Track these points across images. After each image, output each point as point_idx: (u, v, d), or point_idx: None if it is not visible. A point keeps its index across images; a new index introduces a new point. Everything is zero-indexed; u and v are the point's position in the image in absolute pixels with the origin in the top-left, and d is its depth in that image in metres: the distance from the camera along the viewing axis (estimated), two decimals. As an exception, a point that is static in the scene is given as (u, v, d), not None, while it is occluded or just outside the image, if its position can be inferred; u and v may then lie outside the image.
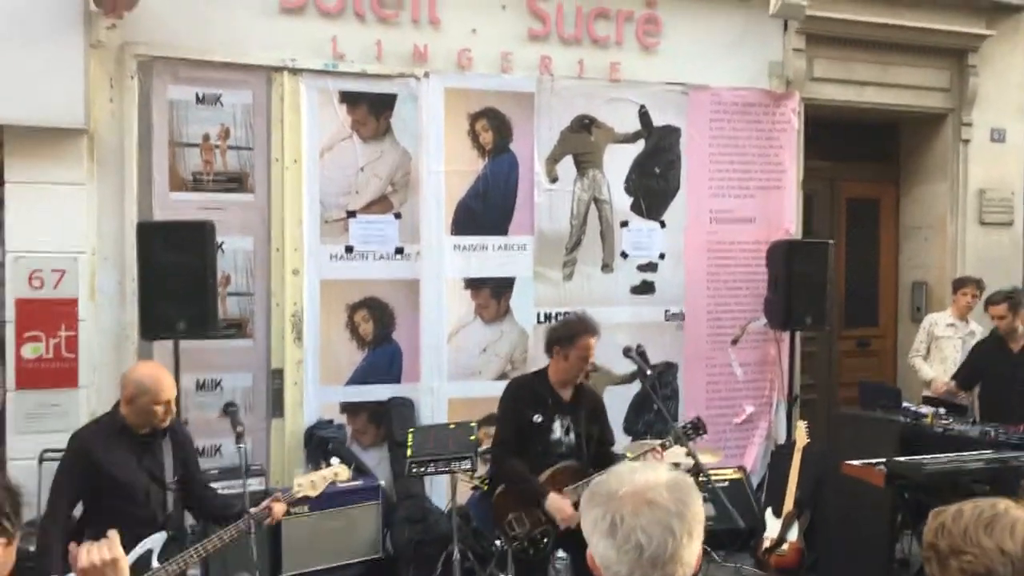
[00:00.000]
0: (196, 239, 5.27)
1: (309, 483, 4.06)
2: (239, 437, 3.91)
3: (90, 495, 3.86)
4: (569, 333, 4.71)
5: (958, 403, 6.59)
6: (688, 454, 4.51)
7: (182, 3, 5.67)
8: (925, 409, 6.21)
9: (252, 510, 3.92)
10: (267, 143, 5.88)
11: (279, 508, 3.99)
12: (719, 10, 6.89)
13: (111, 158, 5.55)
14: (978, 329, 6.97)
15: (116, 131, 5.56)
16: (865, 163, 8.35)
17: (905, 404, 6.32)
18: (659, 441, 4.81)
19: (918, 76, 7.66)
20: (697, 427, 4.72)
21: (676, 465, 4.70)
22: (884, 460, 4.97)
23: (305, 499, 4.16)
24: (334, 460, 4.18)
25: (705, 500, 4.50)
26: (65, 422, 5.30)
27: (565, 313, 6.46)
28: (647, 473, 1.68)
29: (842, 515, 5.82)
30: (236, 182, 5.87)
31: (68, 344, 5.46)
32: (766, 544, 6.08)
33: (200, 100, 5.75)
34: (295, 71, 5.89)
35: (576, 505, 4.38)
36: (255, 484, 5.41)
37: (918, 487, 4.92)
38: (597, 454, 4.86)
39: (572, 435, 4.77)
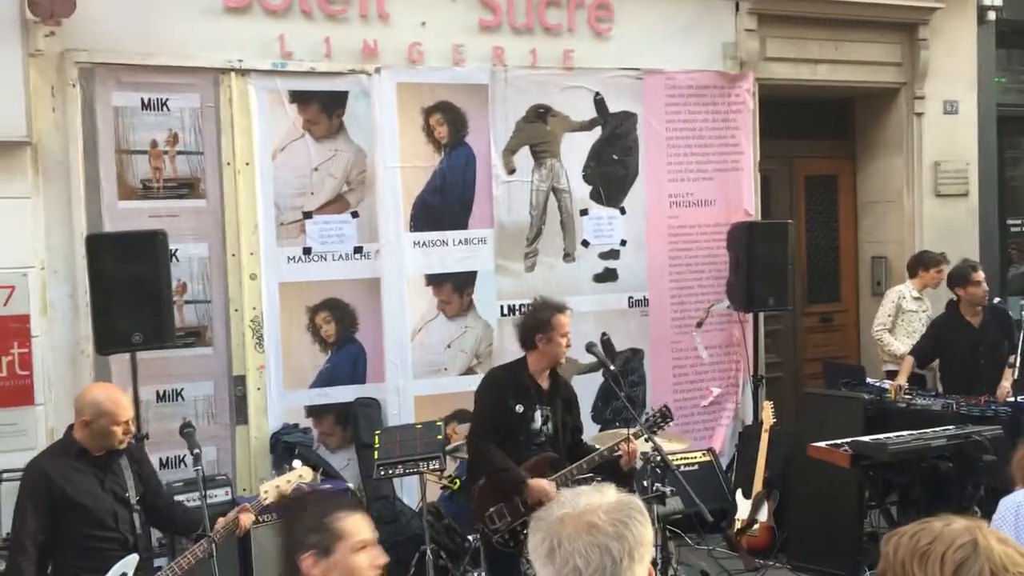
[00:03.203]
0: (148, 249, 5.16)
1: (275, 488, 4.00)
2: (196, 459, 3.85)
3: (55, 523, 3.76)
4: (544, 318, 4.77)
5: (917, 373, 6.67)
6: (654, 449, 4.51)
7: (123, 7, 5.52)
8: (887, 384, 6.30)
9: (220, 520, 3.87)
10: (217, 146, 5.76)
11: (246, 518, 3.93)
12: (670, -7, 6.86)
13: (56, 169, 5.41)
14: (930, 303, 7.08)
15: (60, 141, 5.41)
16: (821, 140, 8.39)
17: (869, 380, 6.41)
18: (629, 431, 4.82)
19: (870, 51, 7.68)
20: (665, 416, 4.75)
21: (644, 455, 4.72)
22: (849, 441, 5.01)
23: (273, 504, 4.10)
24: (296, 462, 4.12)
25: (672, 493, 4.57)
26: (23, 441, 5.23)
27: (529, 305, 6.47)
28: (591, 496, 1.67)
29: (811, 494, 5.89)
30: (187, 188, 5.75)
31: (22, 361, 5.34)
32: (737, 525, 6.14)
33: (146, 105, 5.61)
34: (243, 72, 5.77)
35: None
36: (221, 494, 5.38)
37: (883, 465, 4.97)
38: (570, 444, 4.92)
39: (550, 425, 4.85)
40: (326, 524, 2.52)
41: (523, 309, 6.41)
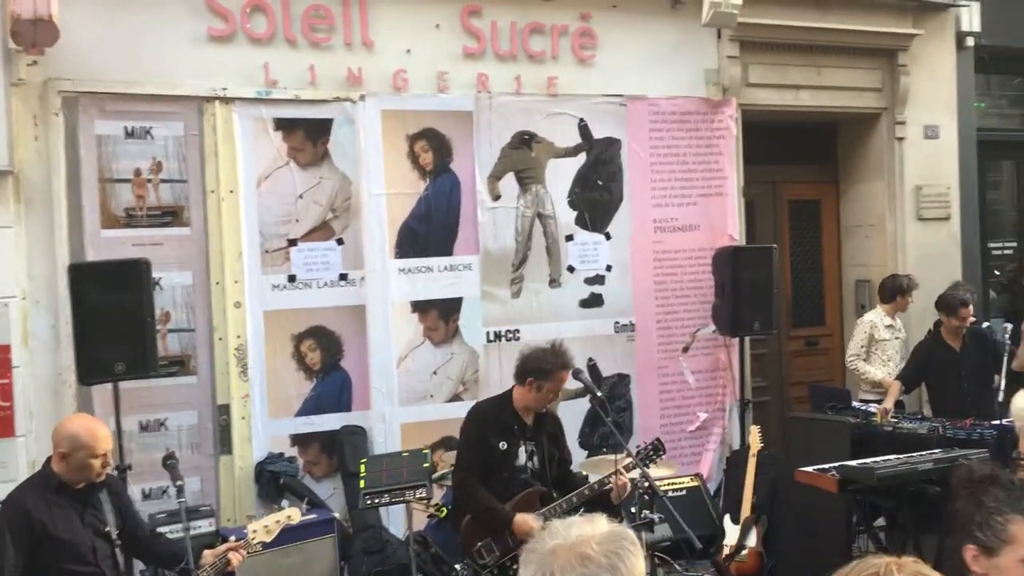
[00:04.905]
0: (131, 278, 5.12)
1: (263, 528, 3.99)
2: (180, 491, 3.81)
3: (32, 557, 3.70)
4: (547, 367, 4.74)
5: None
6: (642, 476, 4.49)
7: (107, 35, 5.51)
8: (874, 408, 6.31)
9: (207, 553, 3.84)
10: (201, 174, 5.74)
11: (236, 557, 3.90)
12: (653, 21, 6.91)
13: (39, 198, 5.37)
14: (902, 325, 7.10)
15: (43, 170, 5.38)
16: (804, 165, 8.44)
17: (854, 404, 6.43)
18: (618, 464, 4.79)
19: (851, 77, 7.76)
20: (657, 449, 4.75)
21: (633, 481, 4.69)
22: (836, 466, 5.00)
23: (261, 544, 4.07)
24: (284, 503, 4.11)
25: (661, 520, 4.55)
26: (4, 473, 5.15)
27: (515, 331, 6.48)
28: (583, 527, 1.65)
29: (799, 518, 5.87)
30: (171, 216, 5.72)
31: (2, 392, 5.27)
32: (726, 551, 6.10)
33: (129, 134, 5.59)
34: (227, 100, 5.76)
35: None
36: (205, 525, 5.31)
37: (871, 490, 4.96)
38: (558, 475, 4.89)
39: (536, 459, 4.84)
40: (996, 524, 2.39)
41: (509, 335, 6.46)
